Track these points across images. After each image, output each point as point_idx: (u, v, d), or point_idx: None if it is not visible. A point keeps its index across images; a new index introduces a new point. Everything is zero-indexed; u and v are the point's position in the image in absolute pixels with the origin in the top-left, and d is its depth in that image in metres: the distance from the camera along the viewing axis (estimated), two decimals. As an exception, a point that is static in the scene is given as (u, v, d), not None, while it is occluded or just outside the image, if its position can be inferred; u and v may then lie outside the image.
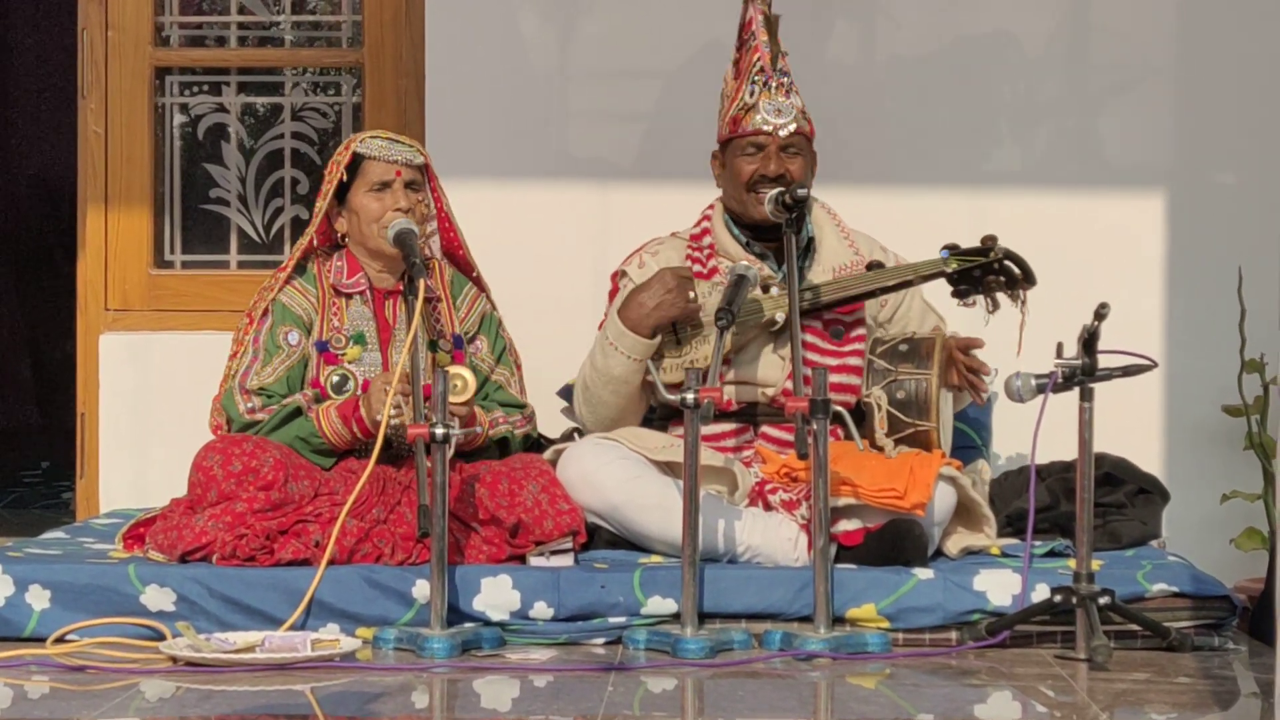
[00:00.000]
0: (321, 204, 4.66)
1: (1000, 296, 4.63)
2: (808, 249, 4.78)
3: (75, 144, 5.50)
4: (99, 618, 4.19)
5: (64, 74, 6.44)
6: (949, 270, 4.63)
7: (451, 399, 4.24)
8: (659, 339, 4.61)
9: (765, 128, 4.71)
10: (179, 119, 5.59)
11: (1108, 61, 5.31)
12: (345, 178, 4.64)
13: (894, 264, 4.78)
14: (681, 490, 4.23)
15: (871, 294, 4.70)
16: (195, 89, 5.59)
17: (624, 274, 4.81)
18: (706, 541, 4.32)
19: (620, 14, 5.33)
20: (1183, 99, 5.30)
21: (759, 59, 4.73)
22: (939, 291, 4.76)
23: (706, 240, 4.79)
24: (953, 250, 4.64)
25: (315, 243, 4.70)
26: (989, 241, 4.62)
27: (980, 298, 4.65)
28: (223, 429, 4.58)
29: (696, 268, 4.74)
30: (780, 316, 4.57)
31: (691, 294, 4.59)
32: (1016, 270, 4.60)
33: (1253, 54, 5.16)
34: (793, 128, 4.70)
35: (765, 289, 4.65)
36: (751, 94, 4.73)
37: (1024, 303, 4.62)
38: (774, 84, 4.71)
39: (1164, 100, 5.30)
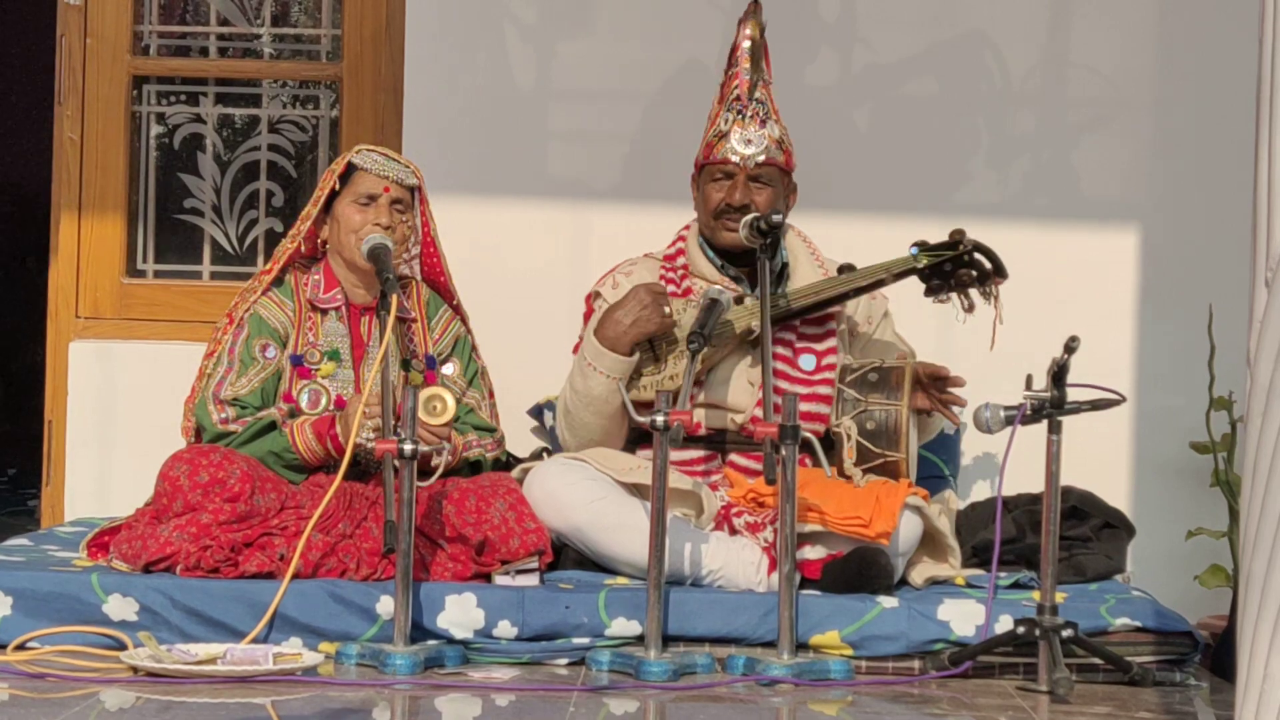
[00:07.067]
0: (312, 209, 4.67)
1: (974, 294, 4.64)
2: (781, 274, 4.79)
3: (50, 151, 5.48)
4: (61, 626, 4.18)
5: (41, 80, 6.42)
6: (920, 266, 4.64)
7: (431, 420, 4.25)
8: (637, 356, 4.62)
9: (733, 157, 4.72)
10: (155, 129, 5.58)
11: (1084, 96, 5.34)
12: (338, 186, 4.64)
13: (865, 295, 4.80)
14: (647, 512, 4.23)
15: (844, 297, 4.71)
16: (173, 99, 5.58)
17: (598, 295, 4.82)
18: (672, 564, 4.32)
19: (601, 35, 5.34)
20: (1158, 135, 5.32)
21: (737, 86, 4.75)
22: (918, 315, 4.77)
23: (680, 261, 4.81)
24: (922, 246, 4.65)
25: (301, 249, 4.70)
26: (957, 235, 4.63)
27: (954, 296, 4.65)
28: (193, 433, 4.58)
29: (671, 288, 4.75)
30: (756, 325, 4.56)
31: (666, 309, 4.60)
32: (986, 262, 4.61)
33: (1228, 92, 5.19)
34: (761, 159, 4.71)
35: (739, 300, 4.66)
36: (726, 122, 4.74)
37: (996, 297, 4.62)
38: (748, 113, 4.73)
39: (1139, 136, 5.33)
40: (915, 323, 4.90)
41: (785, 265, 4.80)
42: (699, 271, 4.78)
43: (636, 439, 4.72)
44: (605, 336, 4.61)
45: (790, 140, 4.77)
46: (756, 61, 4.78)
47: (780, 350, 4.69)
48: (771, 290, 4.72)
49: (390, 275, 4.43)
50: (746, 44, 4.78)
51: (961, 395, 4.64)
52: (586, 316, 4.85)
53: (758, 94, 4.75)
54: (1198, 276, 5.22)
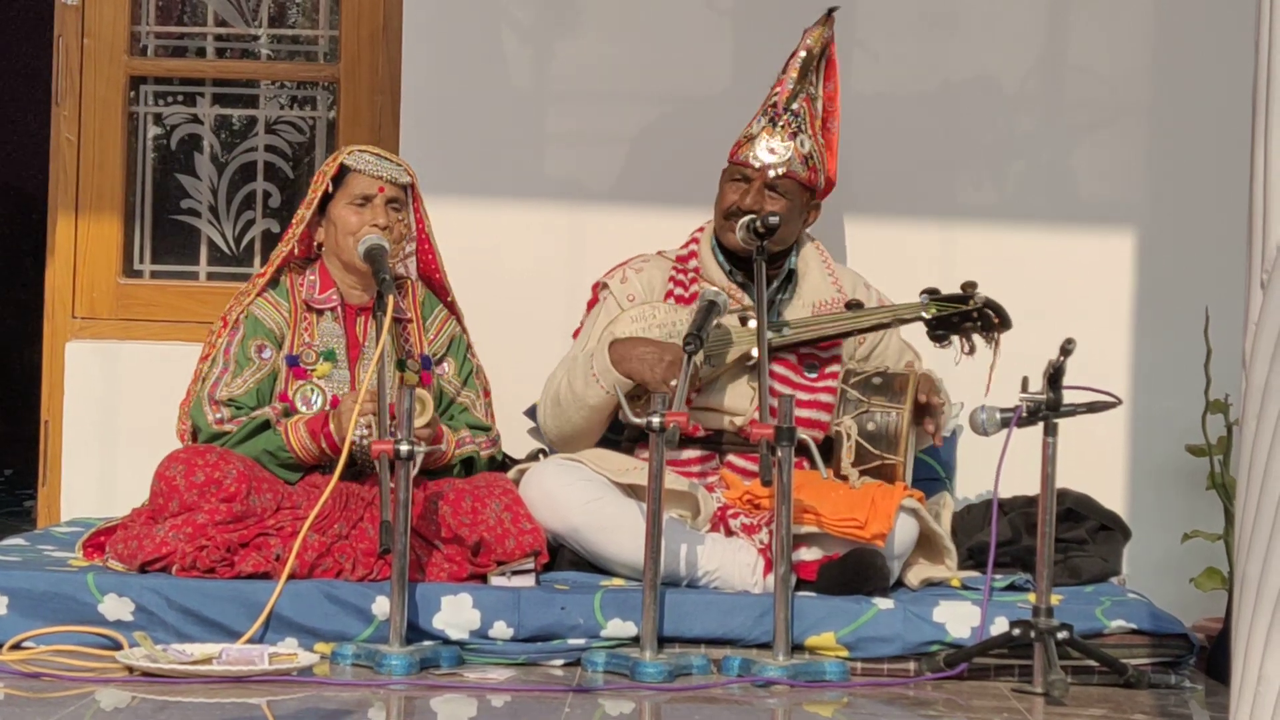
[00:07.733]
0: (305, 211, 4.66)
1: (976, 339, 4.66)
2: (788, 281, 4.79)
3: (47, 151, 5.48)
4: (56, 625, 4.18)
5: (37, 81, 6.43)
6: (927, 316, 4.65)
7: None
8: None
9: (754, 163, 4.73)
10: (153, 129, 5.58)
11: (1082, 99, 5.34)
12: (330, 188, 4.64)
13: (875, 302, 4.80)
14: (643, 513, 4.23)
15: (846, 334, 4.72)
16: (170, 99, 5.58)
17: (605, 285, 4.84)
18: (667, 565, 4.32)
19: (598, 36, 5.35)
20: (1155, 138, 5.32)
21: (778, 94, 4.76)
22: (915, 331, 4.77)
23: (692, 263, 4.81)
24: (932, 295, 4.66)
25: (295, 251, 4.70)
26: (969, 289, 4.64)
27: (956, 338, 4.67)
28: (188, 435, 4.58)
29: (679, 290, 4.76)
30: (755, 351, 4.56)
31: (673, 383, 4.50)
32: (994, 317, 4.63)
33: (1224, 94, 5.19)
34: (781, 170, 4.72)
35: (744, 321, 4.67)
36: (758, 126, 4.76)
37: (997, 344, 4.64)
38: (780, 123, 4.74)
39: (1137, 139, 5.33)
40: (912, 329, 4.88)
41: (793, 273, 4.80)
42: (708, 275, 4.79)
43: (634, 439, 4.72)
44: (616, 353, 4.60)
45: (821, 159, 4.77)
46: (805, 73, 4.78)
47: (784, 355, 4.69)
48: (773, 299, 4.73)
49: (387, 276, 4.43)
50: (802, 53, 4.79)
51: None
52: (590, 305, 4.87)
53: (795, 105, 4.75)
54: (1194, 279, 5.22)
